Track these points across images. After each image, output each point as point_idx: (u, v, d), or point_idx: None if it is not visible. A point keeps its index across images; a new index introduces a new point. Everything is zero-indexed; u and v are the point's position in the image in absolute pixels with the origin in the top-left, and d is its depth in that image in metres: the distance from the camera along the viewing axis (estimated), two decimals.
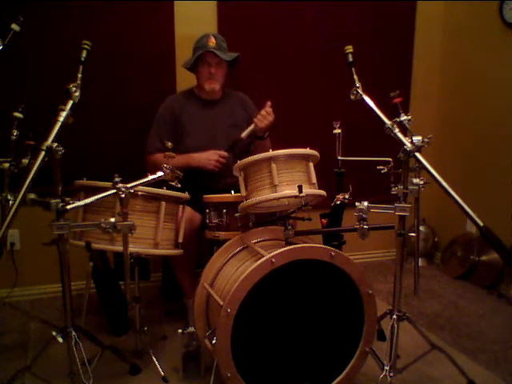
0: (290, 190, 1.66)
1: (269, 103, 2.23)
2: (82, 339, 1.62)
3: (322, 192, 1.74)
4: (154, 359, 1.93)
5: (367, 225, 1.58)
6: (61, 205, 1.45)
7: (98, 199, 1.52)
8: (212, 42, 2.28)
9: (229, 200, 1.97)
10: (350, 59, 1.70)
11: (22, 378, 1.75)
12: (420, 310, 2.54)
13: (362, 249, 3.22)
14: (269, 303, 1.59)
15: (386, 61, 3.10)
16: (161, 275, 2.68)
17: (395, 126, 1.58)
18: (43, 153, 1.44)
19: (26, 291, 2.64)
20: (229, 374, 1.54)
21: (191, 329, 1.85)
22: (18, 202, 1.41)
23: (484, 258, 2.91)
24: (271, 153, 1.69)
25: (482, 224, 1.42)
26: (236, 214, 1.89)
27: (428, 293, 2.79)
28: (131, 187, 1.52)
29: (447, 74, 3.24)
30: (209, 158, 2.27)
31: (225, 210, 1.97)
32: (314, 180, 1.75)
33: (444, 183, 1.47)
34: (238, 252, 1.84)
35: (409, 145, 1.55)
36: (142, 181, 1.61)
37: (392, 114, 1.64)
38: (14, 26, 1.76)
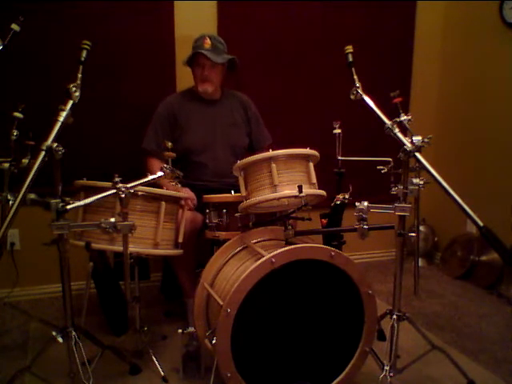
0: (289, 190, 1.66)
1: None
2: (82, 339, 1.62)
3: (322, 192, 1.74)
4: (154, 359, 1.93)
5: (367, 225, 1.58)
6: (61, 205, 1.45)
7: (97, 199, 1.52)
8: (207, 43, 2.28)
9: (229, 200, 1.97)
10: (350, 59, 1.70)
11: (22, 378, 1.75)
12: (420, 310, 2.54)
13: (362, 249, 3.22)
14: (269, 303, 1.59)
15: (386, 61, 3.10)
16: (161, 275, 2.68)
17: (395, 126, 1.58)
18: (43, 153, 1.44)
19: (25, 291, 2.64)
20: (229, 374, 1.54)
21: (191, 329, 1.85)
22: (17, 201, 1.41)
23: (484, 258, 2.91)
24: (271, 153, 1.69)
25: (481, 224, 1.42)
26: (236, 214, 1.89)
27: (428, 293, 2.79)
28: (131, 187, 1.52)
29: (447, 74, 3.24)
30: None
31: (225, 210, 1.97)
32: (314, 180, 1.75)
33: (444, 183, 1.47)
34: (237, 252, 1.84)
35: (409, 145, 1.55)
36: (142, 181, 1.61)
37: (392, 114, 1.64)
38: (14, 26, 1.76)
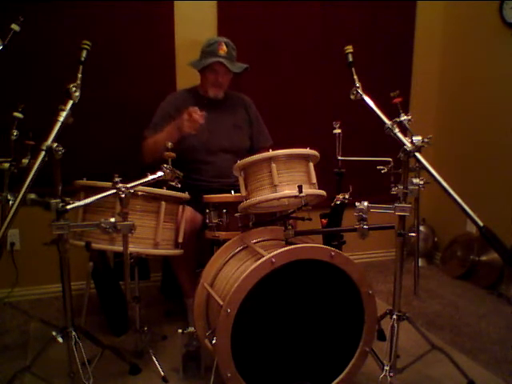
0: (290, 190, 1.66)
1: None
2: (82, 339, 1.62)
3: (322, 192, 1.74)
4: (154, 359, 1.93)
5: (367, 225, 1.58)
6: (61, 205, 1.45)
7: (98, 199, 1.52)
8: (223, 49, 2.26)
9: (229, 200, 1.97)
10: (350, 59, 1.70)
11: (22, 378, 1.75)
12: (420, 310, 2.54)
13: (361, 249, 3.22)
14: (269, 303, 1.59)
15: (386, 61, 3.10)
16: (161, 275, 2.68)
17: (395, 125, 1.58)
18: (43, 153, 1.44)
19: (26, 291, 2.64)
20: (229, 374, 1.54)
21: (191, 329, 1.85)
22: (17, 201, 1.41)
23: (484, 258, 2.91)
24: (271, 153, 1.69)
25: (481, 224, 1.42)
26: (236, 214, 1.89)
27: (428, 293, 2.78)
28: (131, 187, 1.52)
29: (447, 74, 3.24)
30: (182, 119, 2.06)
31: (225, 210, 1.97)
32: (314, 180, 1.75)
33: (444, 183, 1.47)
34: (238, 252, 1.84)
35: (409, 145, 1.55)
36: (142, 181, 1.61)
37: (392, 113, 1.64)
38: (14, 26, 1.76)
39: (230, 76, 2.36)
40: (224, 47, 2.27)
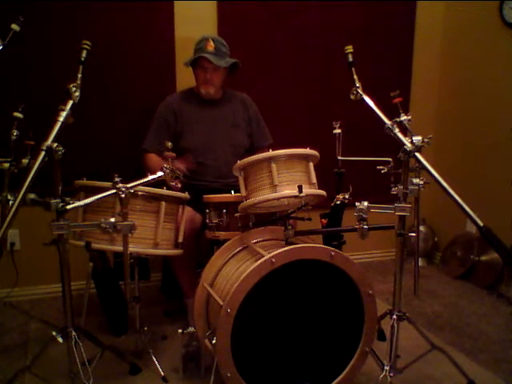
0: (290, 190, 1.66)
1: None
2: (82, 339, 1.63)
3: (322, 192, 1.74)
4: (154, 359, 1.93)
5: (367, 225, 1.58)
6: (61, 205, 1.45)
7: (98, 199, 1.52)
8: (210, 46, 2.26)
9: (229, 200, 1.97)
10: (350, 59, 1.70)
11: (22, 378, 1.75)
12: (420, 310, 2.54)
13: (362, 249, 3.23)
14: (269, 303, 1.59)
15: (386, 61, 3.10)
16: (161, 275, 2.68)
17: (395, 126, 1.58)
18: (43, 153, 1.44)
19: (25, 291, 2.64)
20: (229, 374, 1.54)
21: (191, 329, 1.85)
22: (17, 201, 1.41)
23: (484, 258, 2.91)
24: (271, 153, 1.69)
25: (481, 224, 1.41)
26: (236, 214, 1.89)
27: (428, 293, 2.78)
28: (131, 187, 1.52)
29: (447, 74, 3.24)
30: None
31: (225, 210, 1.97)
32: (314, 180, 1.75)
33: (444, 183, 1.47)
34: (238, 252, 1.84)
35: (409, 145, 1.55)
36: (142, 181, 1.61)
37: (392, 113, 1.64)
38: (14, 26, 1.76)
39: (221, 73, 2.33)
40: (211, 43, 2.26)
